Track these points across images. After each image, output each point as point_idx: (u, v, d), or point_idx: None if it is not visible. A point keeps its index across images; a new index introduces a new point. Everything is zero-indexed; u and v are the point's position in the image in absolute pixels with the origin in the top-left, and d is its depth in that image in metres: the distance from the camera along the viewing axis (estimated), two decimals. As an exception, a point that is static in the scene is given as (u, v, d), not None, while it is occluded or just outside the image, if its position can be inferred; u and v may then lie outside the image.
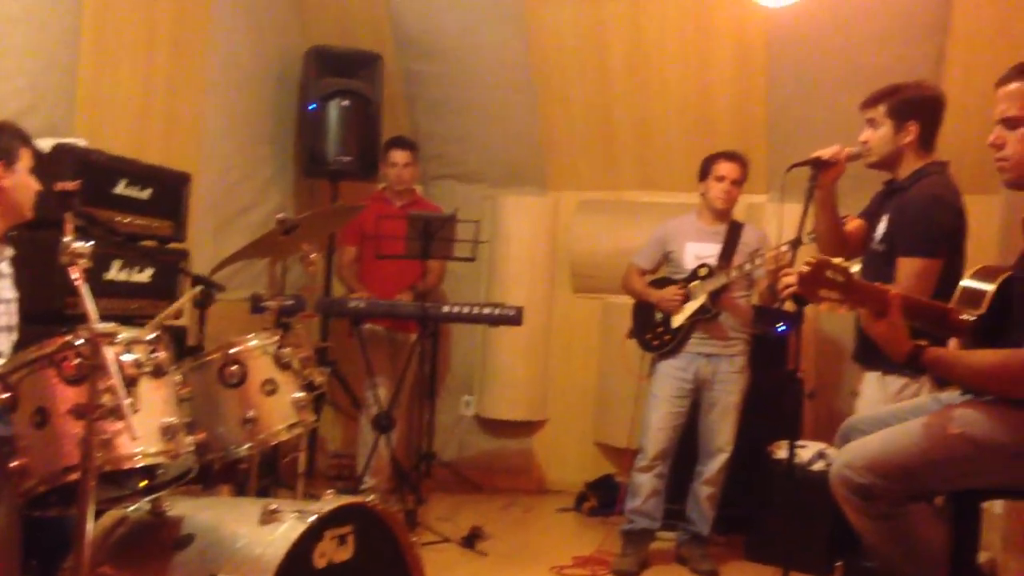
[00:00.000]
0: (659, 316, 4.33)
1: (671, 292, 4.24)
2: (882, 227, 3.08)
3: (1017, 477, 2.13)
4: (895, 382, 2.99)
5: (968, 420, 2.14)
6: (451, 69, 5.37)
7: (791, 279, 2.21)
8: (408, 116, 5.61)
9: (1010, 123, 2.18)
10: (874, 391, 3.05)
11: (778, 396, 4.30)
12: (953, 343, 2.35)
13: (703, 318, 4.19)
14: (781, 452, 4.24)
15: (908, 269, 2.95)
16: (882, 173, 3.22)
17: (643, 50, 5.06)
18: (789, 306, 2.88)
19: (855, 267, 2.16)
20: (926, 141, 3.09)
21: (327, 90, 5.16)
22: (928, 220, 2.97)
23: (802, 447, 4.18)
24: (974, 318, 2.25)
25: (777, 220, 4.04)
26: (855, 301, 2.22)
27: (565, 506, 5.15)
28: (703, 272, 4.22)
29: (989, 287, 2.28)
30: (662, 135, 5.26)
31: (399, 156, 5.00)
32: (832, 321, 4.88)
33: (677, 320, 4.25)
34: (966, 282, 2.37)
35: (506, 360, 5.52)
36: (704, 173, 4.28)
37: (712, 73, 5.03)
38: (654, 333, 4.34)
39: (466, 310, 4.59)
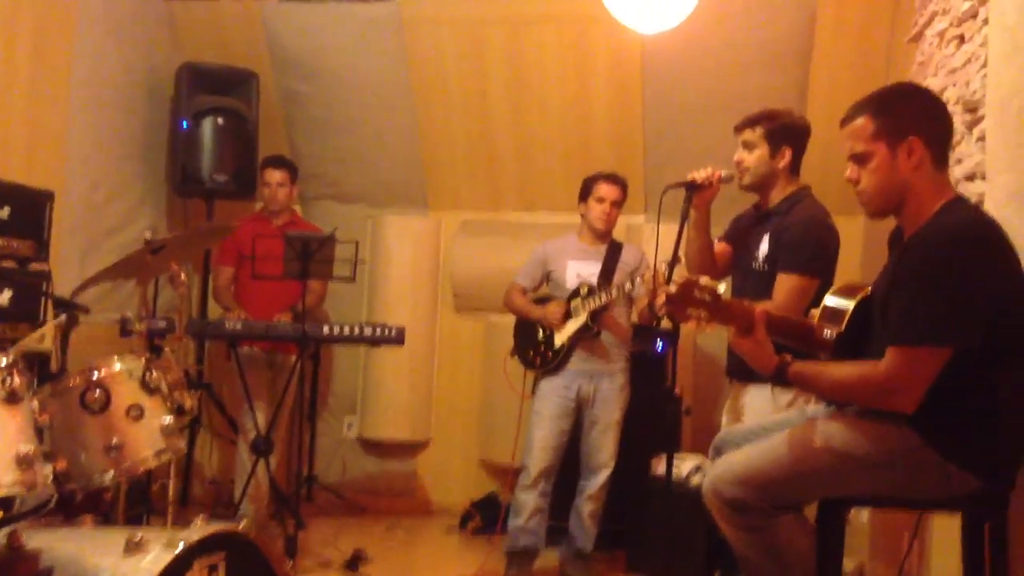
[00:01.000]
0: (541, 334, 4.37)
1: (553, 309, 4.28)
2: (763, 249, 3.18)
3: (878, 486, 2.22)
4: (785, 395, 3.09)
5: (831, 433, 2.22)
6: (330, 89, 5.32)
7: (663, 299, 2.26)
8: (286, 135, 5.52)
9: (859, 159, 2.28)
10: (764, 403, 3.14)
11: (657, 412, 4.37)
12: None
13: (584, 337, 4.25)
14: (660, 467, 4.31)
15: (786, 285, 3.06)
16: (749, 196, 3.34)
17: (523, 74, 5.12)
18: (667, 324, 2.94)
19: (722, 286, 2.22)
20: (795, 167, 3.24)
21: (201, 107, 5.04)
22: (812, 241, 3.10)
23: (680, 461, 4.27)
24: (835, 334, 2.34)
25: (654, 240, 4.14)
26: (722, 319, 2.29)
27: (449, 526, 5.12)
28: (584, 291, 4.28)
29: (849, 304, 2.38)
30: (542, 157, 5.33)
31: (275, 176, 4.90)
32: (709, 338, 5.01)
33: (559, 339, 4.29)
34: (828, 299, 2.46)
35: (389, 380, 5.47)
36: (585, 194, 4.34)
37: (590, 97, 5.13)
38: (536, 351, 4.37)
39: (347, 331, 4.54)
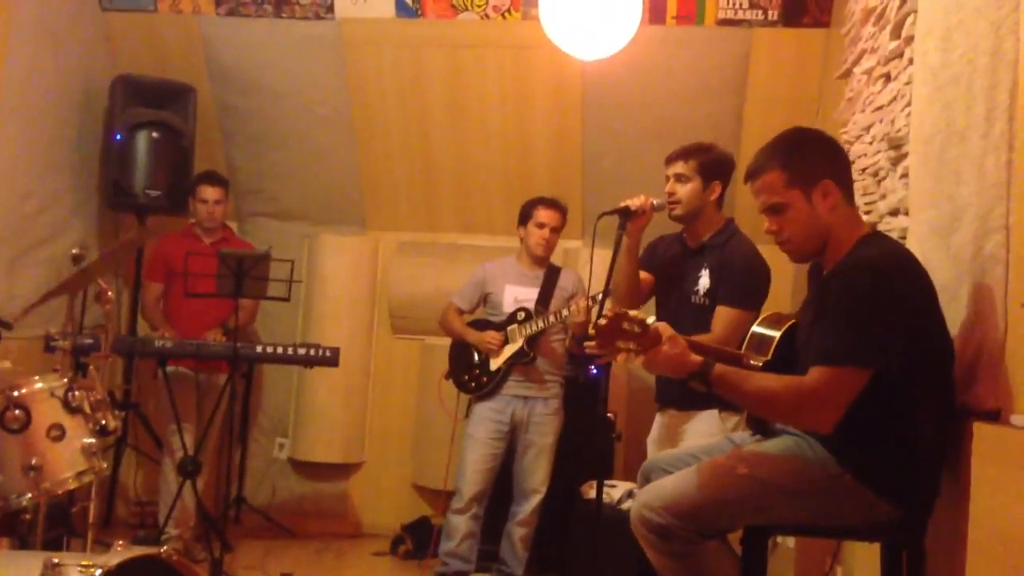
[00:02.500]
0: (477, 358, 4.37)
1: (490, 335, 4.29)
2: (704, 283, 3.24)
3: (799, 514, 2.25)
4: (731, 419, 3.14)
5: (754, 461, 2.25)
6: (269, 105, 5.28)
7: (593, 344, 2.27)
8: (223, 150, 5.46)
9: (775, 210, 2.32)
10: (711, 428, 3.18)
11: (590, 437, 4.42)
12: None
13: (520, 361, 4.27)
14: (591, 492, 4.33)
15: (726, 318, 3.13)
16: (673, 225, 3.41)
17: (463, 96, 5.14)
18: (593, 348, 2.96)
19: (651, 319, 2.25)
20: (722, 201, 3.33)
21: (135, 120, 4.95)
22: (753, 275, 3.19)
23: (612, 487, 4.29)
24: (761, 363, 2.39)
25: (590, 265, 4.18)
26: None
27: (380, 550, 5.07)
28: (521, 316, 4.30)
29: (775, 333, 2.43)
30: (481, 179, 5.36)
31: (209, 193, 4.83)
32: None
33: (495, 363, 4.30)
34: (755, 328, 2.51)
35: (322, 401, 5.41)
36: (524, 218, 4.37)
37: (530, 121, 5.17)
38: (471, 375, 4.37)
39: (280, 350, 4.51)
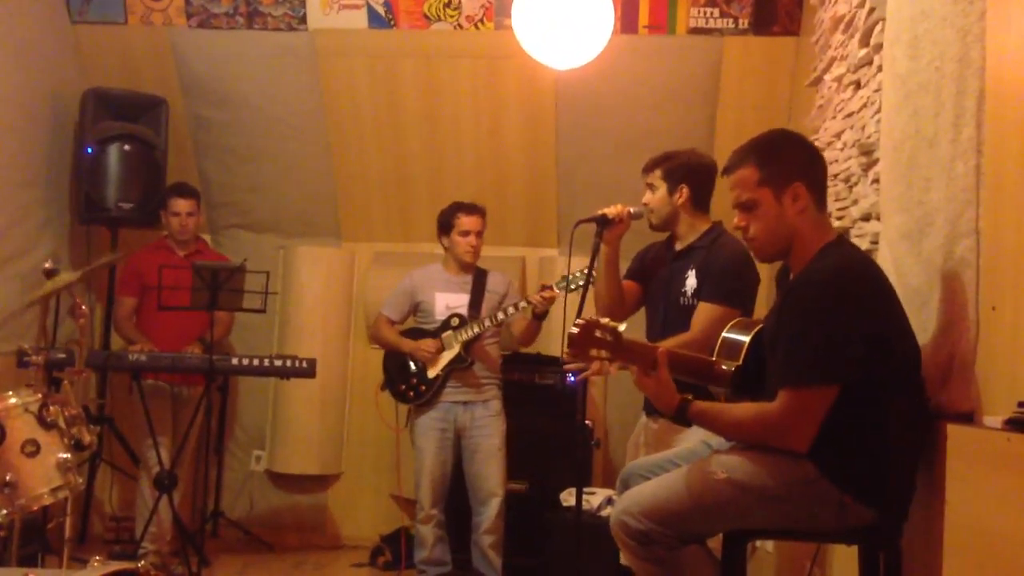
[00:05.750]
0: (413, 367, 4.38)
1: (426, 343, 4.32)
2: (691, 283, 3.24)
3: (777, 519, 2.27)
4: None
5: (732, 466, 2.27)
6: (242, 116, 5.25)
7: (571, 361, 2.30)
8: (195, 163, 5.43)
9: (745, 207, 2.35)
10: (705, 434, 3.18)
11: (568, 444, 4.43)
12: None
13: (458, 367, 4.30)
14: (570, 499, 4.34)
15: (708, 314, 3.13)
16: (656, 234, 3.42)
17: (436, 106, 5.15)
18: (573, 363, 2.97)
19: (622, 326, 2.26)
20: (698, 203, 3.32)
21: (106, 133, 4.92)
22: (737, 274, 3.19)
23: (591, 494, 4.29)
24: (733, 369, 2.41)
25: (566, 273, 4.20)
26: (624, 359, 2.34)
27: (359, 561, 5.04)
28: (455, 322, 4.34)
29: (745, 338, 2.44)
30: (456, 189, 5.34)
31: (181, 205, 4.80)
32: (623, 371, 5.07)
33: (433, 371, 4.32)
34: (726, 334, 2.53)
35: (299, 413, 5.39)
36: (446, 228, 4.41)
37: (504, 131, 5.18)
38: (409, 384, 4.40)
39: (256, 362, 4.50)
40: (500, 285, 4.46)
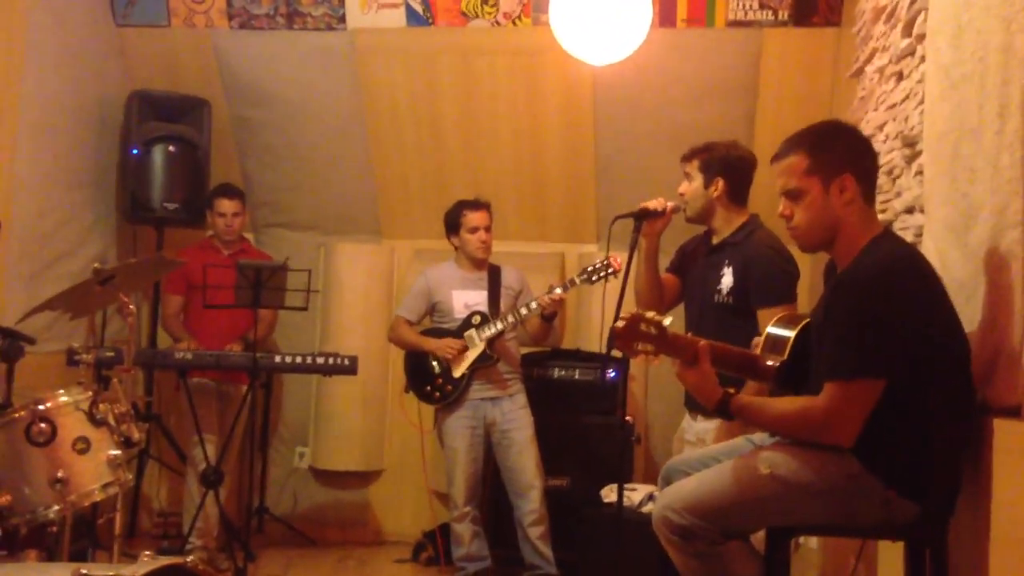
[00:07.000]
0: (437, 367, 4.38)
1: (450, 342, 4.32)
2: (727, 281, 3.20)
3: (821, 514, 2.26)
4: None
5: (776, 461, 2.26)
6: (282, 116, 5.31)
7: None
8: (238, 163, 5.50)
9: (792, 195, 2.34)
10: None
11: (609, 441, 4.43)
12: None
13: (483, 365, 4.30)
14: (612, 496, 4.34)
15: (770, 319, 3.10)
16: (695, 228, 3.40)
17: (475, 103, 5.16)
18: (617, 353, 2.97)
19: (667, 319, 2.26)
20: (735, 196, 3.28)
21: (151, 135, 5.00)
22: (780, 271, 3.16)
23: (632, 490, 4.29)
24: (778, 364, 2.39)
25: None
26: (668, 352, 2.34)
27: (402, 557, 5.08)
28: (477, 320, 4.33)
29: (790, 333, 2.43)
30: (494, 186, 5.36)
31: (227, 206, 4.87)
32: (662, 366, 5.05)
33: (458, 369, 4.32)
34: (771, 329, 2.51)
35: (341, 410, 5.43)
36: (454, 227, 4.42)
37: (542, 127, 5.18)
38: (434, 385, 4.39)
39: (299, 360, 4.53)
40: (515, 281, 4.47)
